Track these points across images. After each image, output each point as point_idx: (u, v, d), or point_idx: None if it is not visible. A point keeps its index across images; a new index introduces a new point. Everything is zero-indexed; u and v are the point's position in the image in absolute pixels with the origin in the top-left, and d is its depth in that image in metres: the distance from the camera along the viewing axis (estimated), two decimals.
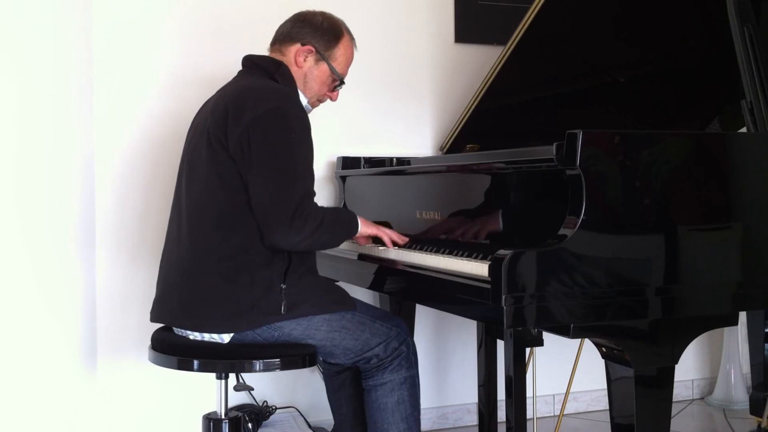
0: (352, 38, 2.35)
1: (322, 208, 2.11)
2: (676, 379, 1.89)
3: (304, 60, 2.27)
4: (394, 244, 2.35)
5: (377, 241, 2.40)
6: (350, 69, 3.09)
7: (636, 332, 1.83)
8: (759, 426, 2.93)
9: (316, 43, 2.27)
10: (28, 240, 2.79)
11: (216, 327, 2.09)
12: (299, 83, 2.28)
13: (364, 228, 2.29)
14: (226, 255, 2.09)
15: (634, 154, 1.81)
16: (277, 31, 2.33)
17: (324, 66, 2.29)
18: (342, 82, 2.36)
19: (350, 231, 2.25)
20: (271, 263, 2.10)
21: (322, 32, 2.28)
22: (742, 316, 2.90)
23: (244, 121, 2.06)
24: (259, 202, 2.05)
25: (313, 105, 2.36)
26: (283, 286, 2.09)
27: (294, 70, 2.27)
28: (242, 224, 2.09)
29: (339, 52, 2.31)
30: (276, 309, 2.08)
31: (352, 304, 2.22)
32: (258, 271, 2.08)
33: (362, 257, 2.46)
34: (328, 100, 2.39)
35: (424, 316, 3.17)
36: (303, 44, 2.27)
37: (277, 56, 2.29)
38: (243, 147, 2.06)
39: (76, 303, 2.85)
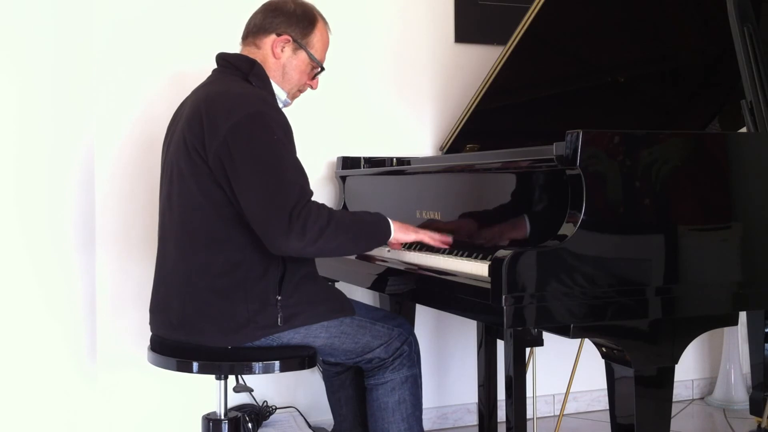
0: (326, 22, 2.25)
1: (332, 211, 2.01)
2: (676, 379, 1.88)
3: (282, 51, 2.18)
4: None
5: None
6: (350, 69, 3.12)
7: (636, 332, 1.83)
8: (759, 426, 2.93)
9: (292, 32, 2.18)
10: (28, 240, 2.79)
11: (212, 341, 2.06)
12: (277, 76, 2.20)
13: (401, 235, 2.14)
14: (218, 272, 2.04)
15: (634, 154, 1.80)
16: (248, 24, 2.23)
17: (302, 54, 2.20)
18: (322, 68, 2.26)
19: (375, 237, 2.12)
20: (266, 274, 2.04)
21: (297, 20, 2.18)
22: (742, 316, 2.89)
23: (221, 132, 1.98)
24: (253, 212, 1.96)
25: (294, 97, 2.27)
26: (279, 298, 2.04)
27: (271, 62, 2.18)
28: (231, 239, 2.03)
29: (316, 38, 2.21)
30: (272, 322, 2.04)
31: (351, 309, 2.17)
32: (252, 285, 2.03)
33: (362, 257, 2.45)
34: (309, 89, 2.30)
35: (424, 316, 3.17)
36: (279, 35, 2.17)
37: (252, 50, 2.20)
38: (223, 159, 1.97)
39: (76, 303, 2.85)
